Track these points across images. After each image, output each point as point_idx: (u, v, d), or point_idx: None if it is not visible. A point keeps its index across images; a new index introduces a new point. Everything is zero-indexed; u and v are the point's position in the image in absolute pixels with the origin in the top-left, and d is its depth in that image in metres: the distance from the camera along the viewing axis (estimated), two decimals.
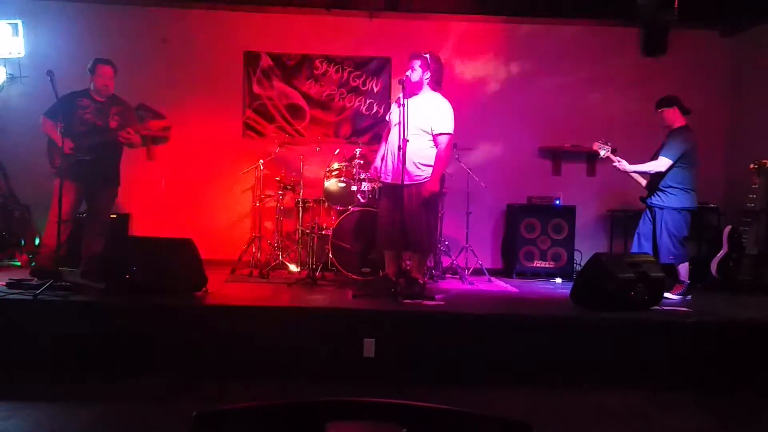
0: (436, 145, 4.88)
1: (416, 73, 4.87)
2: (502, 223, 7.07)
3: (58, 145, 4.70)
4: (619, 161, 5.30)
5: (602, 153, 5.32)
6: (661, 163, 5.21)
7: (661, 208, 5.29)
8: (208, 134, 6.87)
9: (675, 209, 5.25)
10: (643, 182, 5.47)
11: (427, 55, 4.92)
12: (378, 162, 5.21)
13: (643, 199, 5.50)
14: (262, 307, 4.51)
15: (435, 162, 4.88)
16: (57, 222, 4.74)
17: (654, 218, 5.36)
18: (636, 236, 5.49)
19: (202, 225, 6.68)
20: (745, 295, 5.58)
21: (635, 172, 5.38)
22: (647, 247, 5.37)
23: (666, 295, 5.02)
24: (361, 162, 5.64)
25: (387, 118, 5.20)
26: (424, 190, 4.87)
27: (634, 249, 5.46)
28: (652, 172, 5.28)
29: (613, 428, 3.54)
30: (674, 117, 5.35)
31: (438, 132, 4.85)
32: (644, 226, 5.43)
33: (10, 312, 4.16)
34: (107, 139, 5.01)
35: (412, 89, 4.85)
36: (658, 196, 5.31)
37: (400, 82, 4.81)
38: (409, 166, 4.79)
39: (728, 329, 4.32)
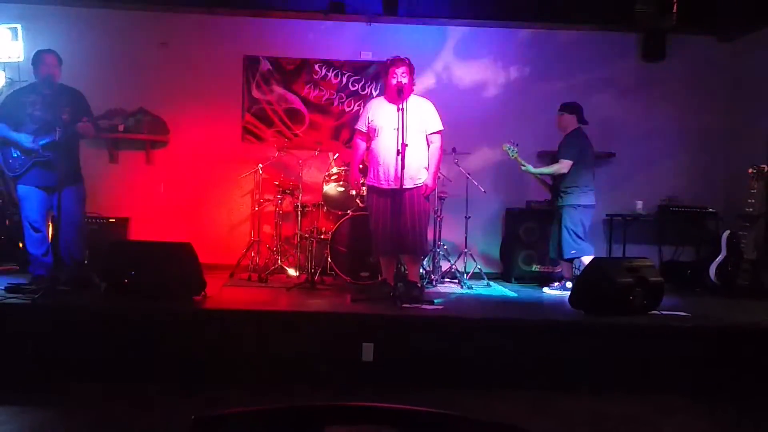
0: (430, 143, 5.05)
1: (405, 78, 4.91)
2: (502, 228, 7.07)
3: (12, 147, 4.68)
4: (524, 165, 5.72)
5: (511, 154, 5.72)
6: (563, 165, 5.64)
7: (560, 207, 5.68)
8: (207, 138, 6.87)
9: (570, 206, 5.63)
10: (547, 186, 5.87)
11: (408, 59, 4.99)
12: (357, 172, 5.36)
13: (549, 203, 5.95)
14: (260, 312, 4.50)
15: (432, 160, 5.04)
16: (33, 230, 4.76)
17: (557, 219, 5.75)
18: (550, 241, 5.90)
19: (201, 229, 6.68)
20: (743, 299, 5.58)
21: (540, 174, 5.82)
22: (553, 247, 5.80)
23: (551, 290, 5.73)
24: (360, 167, 5.63)
25: (361, 126, 5.13)
26: (426, 189, 5.01)
27: (552, 254, 5.92)
28: (555, 173, 5.69)
29: None
30: (570, 122, 5.77)
31: (432, 131, 5.03)
32: (553, 230, 5.84)
33: (9, 316, 4.15)
34: (61, 133, 4.61)
35: (408, 94, 4.90)
36: (560, 197, 5.70)
37: (398, 89, 4.83)
38: (413, 170, 4.85)
39: (727, 334, 4.33)
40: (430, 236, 5.85)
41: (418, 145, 4.91)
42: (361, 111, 5.57)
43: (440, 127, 5.04)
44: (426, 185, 4.99)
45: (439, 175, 5.82)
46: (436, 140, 5.05)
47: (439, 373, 4.11)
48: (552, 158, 6.99)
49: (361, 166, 5.49)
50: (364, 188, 5.59)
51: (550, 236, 5.90)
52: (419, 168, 4.94)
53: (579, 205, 5.61)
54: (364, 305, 4.75)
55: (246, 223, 6.84)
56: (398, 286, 4.81)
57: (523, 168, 5.74)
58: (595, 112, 6.94)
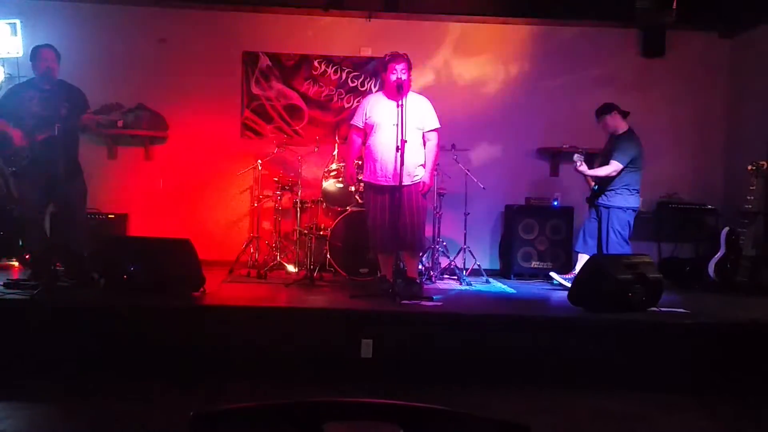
0: (427, 140, 5.03)
1: (405, 75, 4.89)
2: (500, 224, 7.06)
3: (11, 142, 4.67)
4: (581, 164, 5.61)
5: (579, 164, 5.58)
6: (614, 168, 5.51)
7: (607, 207, 5.58)
8: (206, 134, 6.86)
9: (620, 209, 5.55)
10: (592, 183, 5.78)
11: (407, 55, 4.96)
12: (354, 169, 5.35)
13: (588, 199, 5.81)
14: (259, 308, 4.51)
15: (429, 157, 5.03)
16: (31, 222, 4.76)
17: (600, 217, 5.64)
18: (581, 233, 5.78)
19: (200, 225, 6.67)
20: (742, 296, 5.58)
21: (592, 176, 5.69)
22: (591, 244, 5.66)
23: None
24: (359, 163, 5.63)
25: (358, 122, 5.08)
26: (424, 187, 4.99)
27: (578, 247, 5.77)
28: (607, 176, 5.55)
29: (611, 430, 3.54)
30: (617, 122, 5.67)
31: (430, 128, 5.01)
32: (589, 224, 5.74)
33: (8, 312, 4.15)
34: (60, 128, 4.58)
35: (407, 90, 4.89)
36: (605, 196, 5.60)
37: (398, 86, 4.81)
38: (411, 166, 4.85)
39: (726, 330, 4.33)
40: (429, 233, 5.86)
41: (415, 142, 4.90)
42: (358, 107, 5.54)
43: (437, 125, 5.03)
44: (424, 182, 4.97)
45: (437, 171, 5.82)
46: (433, 138, 5.04)
47: (438, 370, 4.11)
48: (553, 155, 7.04)
49: (359, 162, 5.48)
50: (362, 185, 5.59)
51: (582, 229, 5.78)
52: (416, 165, 4.93)
53: (628, 208, 5.54)
54: (363, 301, 4.74)
55: (245, 219, 6.84)
56: (397, 282, 4.81)
57: (578, 167, 5.60)
58: (595, 108, 6.93)
